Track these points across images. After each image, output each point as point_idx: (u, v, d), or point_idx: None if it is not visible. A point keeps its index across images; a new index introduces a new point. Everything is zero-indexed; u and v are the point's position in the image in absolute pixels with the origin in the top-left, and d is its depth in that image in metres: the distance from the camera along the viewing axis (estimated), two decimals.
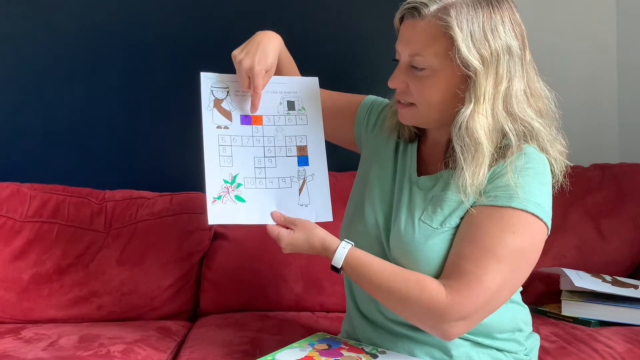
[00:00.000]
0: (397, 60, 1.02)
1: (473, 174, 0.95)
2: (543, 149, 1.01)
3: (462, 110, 0.95)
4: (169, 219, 1.59)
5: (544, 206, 0.96)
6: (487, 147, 0.95)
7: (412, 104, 1.02)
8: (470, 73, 0.94)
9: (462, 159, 0.96)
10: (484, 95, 0.95)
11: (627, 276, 1.63)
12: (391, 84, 1.02)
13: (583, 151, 1.86)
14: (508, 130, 0.97)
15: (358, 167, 1.20)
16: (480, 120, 0.95)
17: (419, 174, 1.07)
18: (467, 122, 0.95)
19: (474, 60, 0.93)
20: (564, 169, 1.03)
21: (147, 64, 1.81)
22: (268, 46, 1.11)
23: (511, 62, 0.96)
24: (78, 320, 1.51)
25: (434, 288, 0.94)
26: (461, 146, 0.96)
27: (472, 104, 0.95)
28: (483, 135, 0.95)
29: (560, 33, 1.95)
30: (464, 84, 0.96)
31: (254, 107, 1.12)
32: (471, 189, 0.95)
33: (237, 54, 1.10)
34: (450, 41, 0.94)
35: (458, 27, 0.93)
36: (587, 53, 1.97)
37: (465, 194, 0.96)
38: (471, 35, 0.94)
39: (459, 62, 0.94)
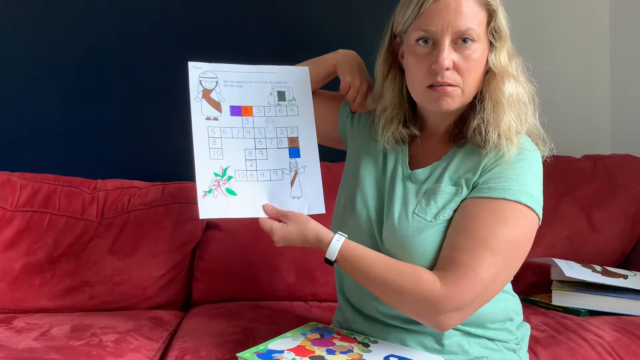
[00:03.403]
0: (427, 42, 0.98)
1: (498, 124, 0.98)
2: (527, 130, 1.03)
3: (488, 79, 1.00)
4: (161, 209, 1.59)
5: (536, 197, 0.97)
6: (506, 106, 0.99)
7: (455, 86, 0.98)
8: (496, 44, 0.99)
9: (485, 119, 0.98)
10: (503, 66, 0.99)
11: (617, 266, 1.64)
12: (447, 62, 0.96)
13: (575, 142, 1.87)
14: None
15: (345, 161, 1.19)
16: (504, 87, 0.99)
17: (410, 168, 1.07)
18: (492, 88, 0.99)
19: (506, 28, 0.99)
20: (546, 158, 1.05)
21: (138, 53, 1.79)
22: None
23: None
24: (70, 310, 1.51)
25: (429, 279, 0.94)
26: (484, 110, 0.99)
27: (496, 73, 0.99)
28: (504, 99, 0.99)
29: (553, 24, 1.95)
30: (486, 56, 1.00)
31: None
32: (499, 139, 0.98)
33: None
34: (486, 10, 0.98)
35: None
36: (579, 44, 1.97)
37: (490, 144, 0.98)
38: (499, 6, 0.99)
39: (491, 32, 0.98)
